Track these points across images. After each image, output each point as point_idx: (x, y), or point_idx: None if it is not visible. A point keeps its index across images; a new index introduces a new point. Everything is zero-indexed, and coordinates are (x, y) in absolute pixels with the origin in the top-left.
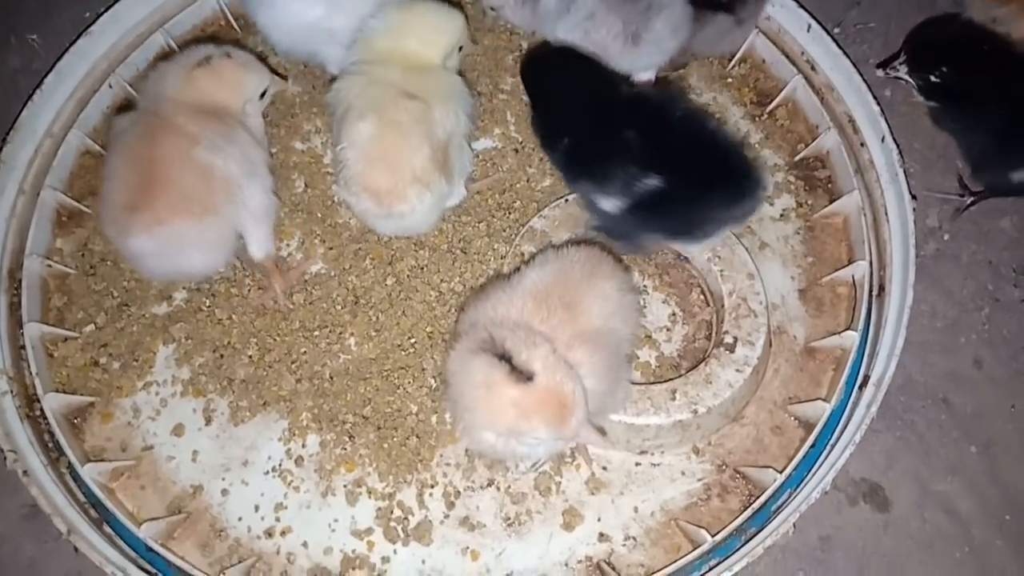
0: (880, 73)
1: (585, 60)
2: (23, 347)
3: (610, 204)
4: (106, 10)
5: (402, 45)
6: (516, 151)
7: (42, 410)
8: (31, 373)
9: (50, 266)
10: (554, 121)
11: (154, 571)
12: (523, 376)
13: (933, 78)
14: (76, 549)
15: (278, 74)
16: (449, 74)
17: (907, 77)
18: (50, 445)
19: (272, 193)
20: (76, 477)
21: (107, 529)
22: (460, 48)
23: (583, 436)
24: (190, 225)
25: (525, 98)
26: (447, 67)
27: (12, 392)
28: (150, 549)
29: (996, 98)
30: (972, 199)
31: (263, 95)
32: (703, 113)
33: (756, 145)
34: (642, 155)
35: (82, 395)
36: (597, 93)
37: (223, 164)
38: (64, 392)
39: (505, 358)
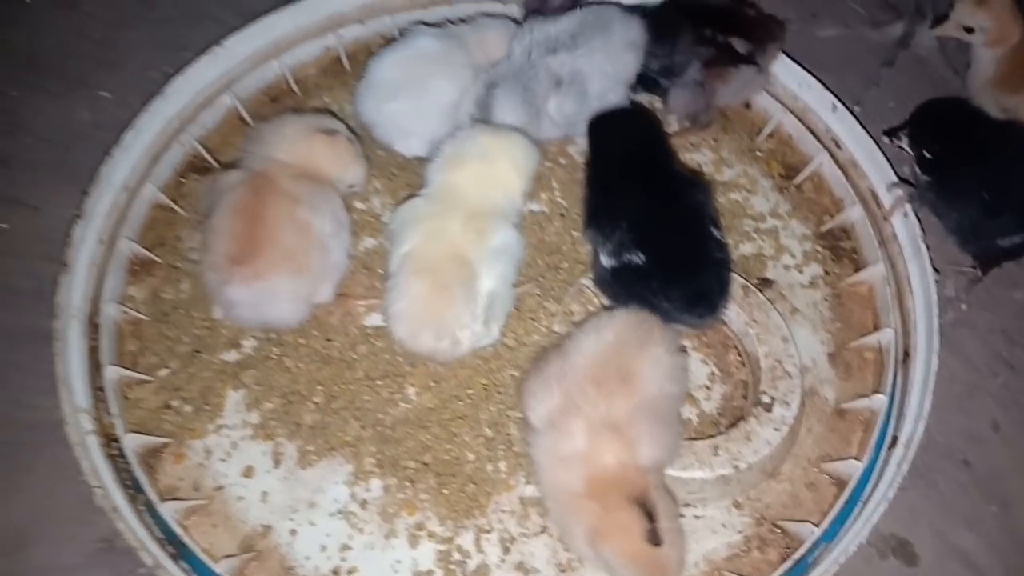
0: (885, 140)
1: (645, 125)
2: (100, 389)
3: (605, 260)
4: (176, 71)
5: (475, 173)
6: (562, 215)
7: (120, 450)
8: (109, 414)
9: (125, 312)
10: (596, 170)
11: None
12: (656, 540)
13: (927, 153)
14: None
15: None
16: (505, 231)
17: (908, 149)
18: (127, 483)
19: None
20: (153, 514)
21: (183, 564)
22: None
23: None
24: (286, 281)
25: (567, 167)
26: (510, 212)
27: (95, 431)
28: None
29: (982, 172)
30: (984, 270)
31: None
32: (716, 217)
33: (785, 215)
34: (641, 230)
35: (156, 436)
36: (636, 159)
37: (319, 223)
38: (139, 433)
39: (650, 517)
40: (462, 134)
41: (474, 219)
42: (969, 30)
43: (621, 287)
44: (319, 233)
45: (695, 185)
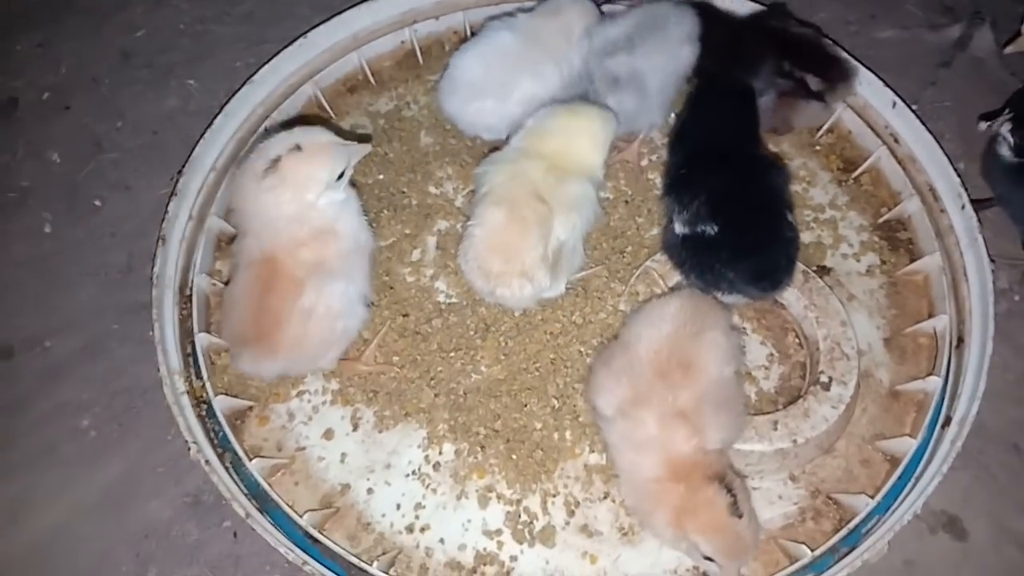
0: (983, 125)
1: (740, 102)
2: (190, 354)
3: (679, 228)
4: (266, 62)
5: (555, 147)
6: (626, 202)
7: (209, 411)
8: (199, 378)
9: (214, 284)
10: (684, 141)
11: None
12: (737, 512)
13: None
14: (235, 535)
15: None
16: (583, 184)
17: (1006, 133)
18: (215, 442)
19: (366, 304)
20: (239, 471)
21: (267, 518)
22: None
23: (733, 571)
24: (289, 361)
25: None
26: (593, 175)
27: (187, 392)
28: (308, 536)
29: None
30: None
31: (341, 175)
32: (790, 201)
33: (843, 207)
34: (718, 203)
35: (243, 399)
36: (724, 135)
37: (325, 304)
38: (227, 395)
39: (730, 492)
40: (543, 113)
41: (555, 169)
42: None
43: (689, 255)
44: (325, 314)
45: (775, 168)
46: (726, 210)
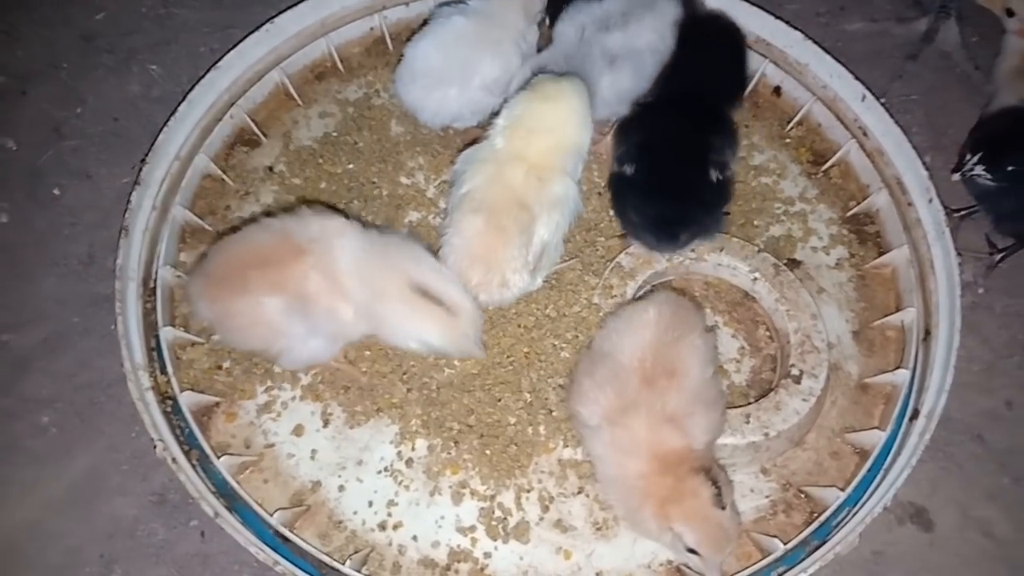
0: (955, 176)
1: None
2: (154, 349)
3: (614, 165)
4: (232, 47)
5: (539, 145)
6: (599, 194)
7: (175, 407)
8: (164, 373)
9: (179, 276)
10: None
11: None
12: (720, 503)
13: (1011, 167)
14: (203, 534)
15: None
16: (565, 183)
17: (982, 172)
18: (181, 439)
19: None
20: (206, 468)
21: (235, 516)
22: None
23: (714, 565)
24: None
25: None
26: (572, 164)
27: (152, 388)
28: (279, 535)
29: None
30: (1001, 256)
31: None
32: (723, 163)
33: (812, 200)
34: (644, 148)
35: (209, 395)
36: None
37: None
38: (193, 391)
39: (715, 484)
40: (515, 103)
41: (536, 168)
42: (1010, 13)
43: (614, 192)
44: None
45: (724, 127)
46: (650, 155)
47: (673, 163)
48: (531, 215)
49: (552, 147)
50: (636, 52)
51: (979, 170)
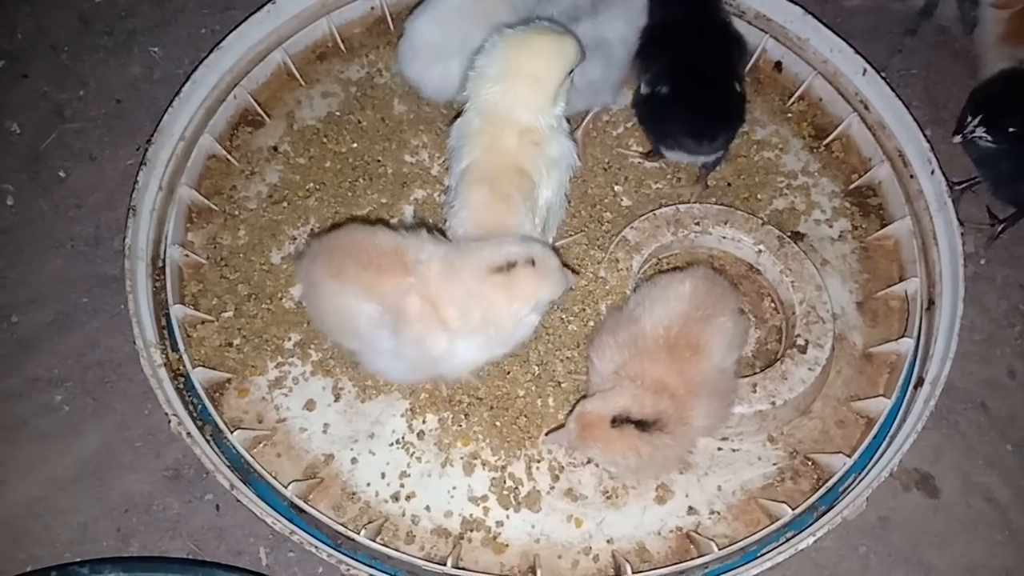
0: (956, 138)
1: None
2: (164, 327)
3: (643, 88)
4: (234, 28)
5: (513, 90)
6: (605, 170)
7: (187, 383)
8: (175, 351)
9: (187, 256)
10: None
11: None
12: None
13: (1012, 128)
14: (217, 508)
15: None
16: (561, 139)
17: (983, 134)
18: (194, 415)
19: None
20: (219, 443)
21: (251, 489)
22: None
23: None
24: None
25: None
26: (558, 121)
27: (164, 365)
28: (294, 507)
29: None
30: (1002, 226)
31: None
32: (741, 74)
33: (815, 173)
34: (673, 69)
35: (221, 372)
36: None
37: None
38: (205, 368)
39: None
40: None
41: (528, 132)
42: None
43: (648, 112)
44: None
45: (734, 41)
46: (682, 75)
47: (704, 80)
48: (531, 180)
49: (539, 92)
50: (606, 42)
51: (980, 132)
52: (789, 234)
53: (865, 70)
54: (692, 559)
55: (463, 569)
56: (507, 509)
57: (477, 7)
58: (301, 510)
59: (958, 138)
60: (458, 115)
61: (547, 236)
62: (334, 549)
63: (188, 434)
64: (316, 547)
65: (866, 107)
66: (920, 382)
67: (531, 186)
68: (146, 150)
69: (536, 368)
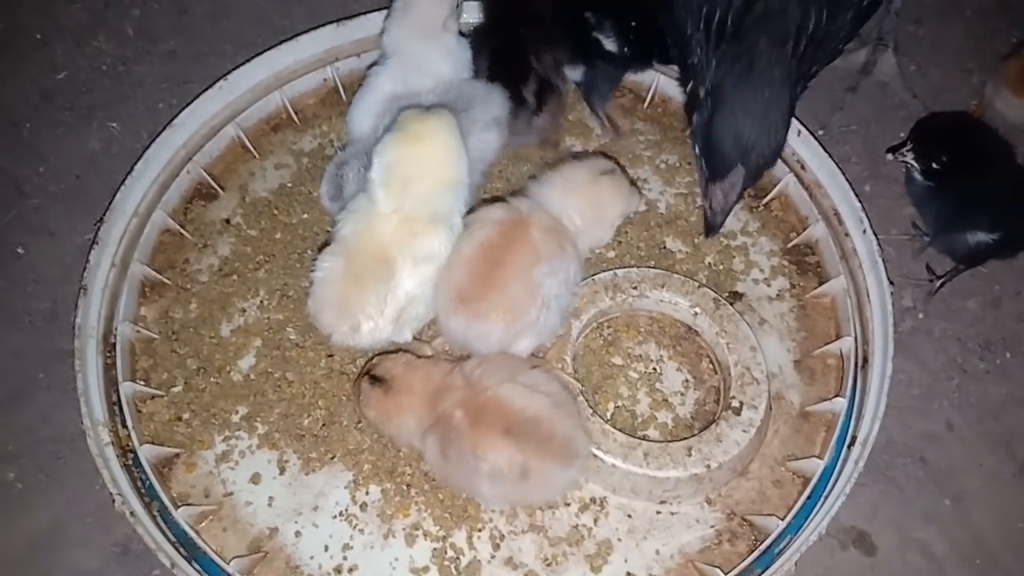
0: (889, 156)
1: None
2: (115, 403)
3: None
4: (186, 106)
5: (412, 187)
6: None
7: (135, 460)
8: (125, 427)
9: (138, 331)
10: None
11: None
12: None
13: (935, 164)
14: None
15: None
16: (440, 236)
17: (912, 163)
18: (142, 491)
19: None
20: (167, 519)
21: (195, 565)
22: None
23: None
24: (501, 328)
25: None
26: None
27: (112, 443)
28: None
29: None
30: (940, 282)
31: None
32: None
33: (754, 233)
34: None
35: (169, 447)
36: None
37: (549, 285)
38: (153, 444)
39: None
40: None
41: (408, 222)
42: None
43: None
44: (546, 295)
45: None
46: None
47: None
48: (391, 268)
49: (432, 189)
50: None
51: (909, 157)
52: (728, 294)
53: (800, 132)
54: None
55: None
56: None
57: (402, 81)
58: None
59: (890, 156)
60: None
61: (404, 328)
62: None
63: (132, 513)
64: None
65: (802, 167)
66: (853, 441)
67: (388, 274)
68: (98, 228)
69: None
